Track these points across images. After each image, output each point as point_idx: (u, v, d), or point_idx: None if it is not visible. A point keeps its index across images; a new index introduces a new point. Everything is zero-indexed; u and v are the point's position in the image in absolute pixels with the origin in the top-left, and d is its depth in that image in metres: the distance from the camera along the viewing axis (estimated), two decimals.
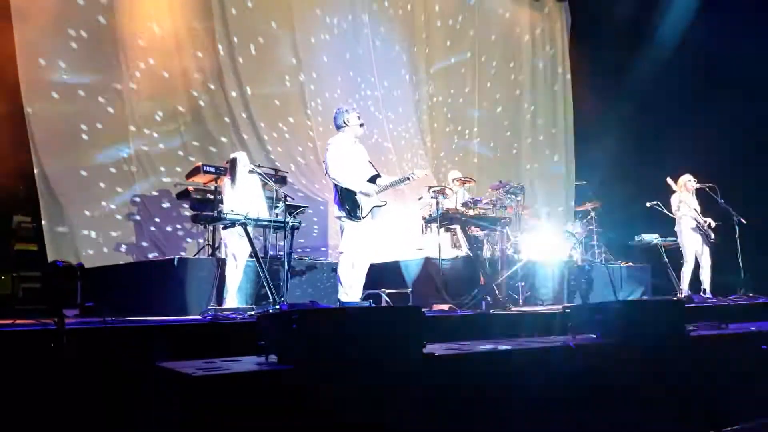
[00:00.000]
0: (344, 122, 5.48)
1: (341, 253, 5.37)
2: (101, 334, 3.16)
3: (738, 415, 3.47)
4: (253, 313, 4.02)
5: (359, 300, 5.35)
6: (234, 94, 8.69)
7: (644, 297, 8.70)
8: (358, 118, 5.49)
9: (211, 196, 6.75)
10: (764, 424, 3.46)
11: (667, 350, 3.54)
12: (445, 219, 6.92)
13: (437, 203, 6.87)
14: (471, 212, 6.82)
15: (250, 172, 5.86)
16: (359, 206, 5.21)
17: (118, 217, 7.64)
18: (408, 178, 5.44)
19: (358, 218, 5.20)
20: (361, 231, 5.28)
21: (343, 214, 5.30)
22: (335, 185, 5.34)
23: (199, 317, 4.31)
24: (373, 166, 5.52)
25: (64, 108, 7.38)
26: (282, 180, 7.55)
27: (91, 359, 3.02)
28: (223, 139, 8.57)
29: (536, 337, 4.23)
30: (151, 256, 7.59)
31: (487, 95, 11.64)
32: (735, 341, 4.03)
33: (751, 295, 7.15)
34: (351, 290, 5.27)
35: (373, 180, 5.40)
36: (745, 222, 7.37)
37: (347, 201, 5.23)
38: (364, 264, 5.41)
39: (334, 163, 5.28)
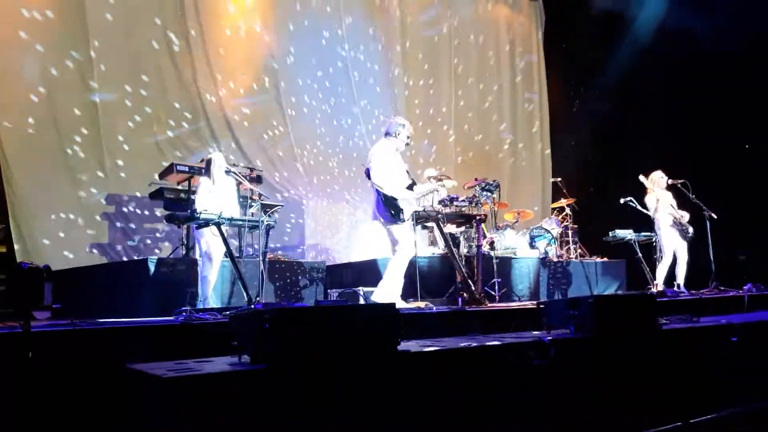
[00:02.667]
0: (395, 133, 5.68)
1: (398, 252, 5.52)
2: (69, 336, 3.10)
3: (707, 406, 3.52)
4: (227, 313, 3.97)
5: (399, 299, 5.52)
6: (208, 95, 8.61)
7: (620, 292, 8.80)
8: (408, 137, 5.74)
9: (185, 196, 6.69)
10: (732, 414, 3.51)
11: (639, 343, 3.58)
12: (421, 216, 6.91)
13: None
14: (447, 210, 6.83)
15: (226, 172, 5.81)
16: (402, 210, 5.42)
17: (96, 218, 7.54)
18: (437, 189, 5.90)
19: (402, 221, 5.42)
20: (409, 231, 5.55)
21: (382, 219, 5.50)
22: (377, 191, 5.49)
23: (172, 318, 4.25)
24: (409, 175, 5.74)
25: (35, 108, 7.27)
26: (258, 179, 7.50)
27: (59, 362, 2.96)
28: (198, 139, 8.49)
29: (511, 332, 4.25)
30: (125, 257, 7.50)
31: (464, 93, 11.67)
32: (706, 334, 4.08)
33: (722, 288, 7.26)
34: (395, 286, 5.47)
35: (410, 188, 5.61)
36: (715, 217, 7.47)
37: (391, 206, 5.43)
38: (405, 261, 5.59)
39: (379, 171, 5.47)
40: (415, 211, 5.64)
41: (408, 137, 5.74)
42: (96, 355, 3.17)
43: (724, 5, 9.25)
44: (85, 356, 3.12)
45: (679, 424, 3.29)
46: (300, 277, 6.76)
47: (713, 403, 3.57)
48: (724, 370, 3.83)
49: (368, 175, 5.61)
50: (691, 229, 7.52)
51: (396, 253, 5.51)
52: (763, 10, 8.95)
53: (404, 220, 5.44)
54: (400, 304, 5.38)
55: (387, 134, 5.73)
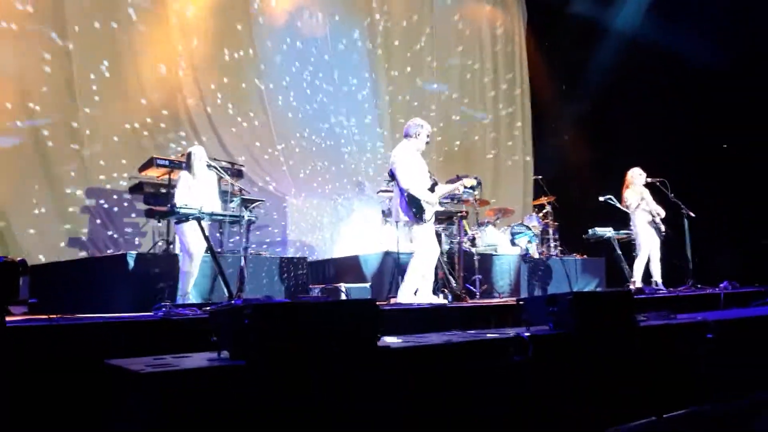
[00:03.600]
0: (415, 134, 5.78)
1: (415, 253, 5.63)
2: (46, 332, 3.06)
3: (682, 401, 3.58)
4: (207, 308, 3.95)
5: (430, 295, 5.64)
6: (190, 89, 8.54)
7: (599, 289, 8.89)
8: (427, 136, 5.86)
9: (165, 190, 6.63)
10: (705, 410, 3.57)
11: (617, 340, 3.62)
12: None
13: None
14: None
15: (207, 166, 5.77)
16: (424, 210, 5.52)
17: (71, 210, 7.45)
18: (457, 189, 6.00)
19: (424, 221, 5.53)
20: (428, 231, 5.63)
21: (407, 218, 5.60)
22: (402, 191, 5.59)
23: (151, 314, 4.22)
24: (431, 176, 5.83)
25: (11, 100, 7.16)
26: (238, 173, 7.47)
27: (35, 358, 2.93)
28: (179, 133, 8.42)
29: (492, 329, 4.28)
30: (105, 251, 7.42)
31: (447, 92, 11.70)
32: (682, 330, 4.14)
33: (699, 286, 7.37)
34: (425, 283, 5.58)
35: (432, 189, 5.70)
36: (693, 215, 7.58)
37: (413, 206, 5.53)
38: (433, 261, 5.71)
39: (403, 172, 5.59)
40: (436, 211, 5.75)
41: (427, 137, 5.86)
42: (73, 351, 3.13)
43: (703, 9, 9.37)
44: (62, 352, 3.08)
45: (653, 418, 3.34)
46: (281, 273, 6.74)
47: (688, 398, 3.63)
48: (699, 366, 3.89)
49: (392, 176, 5.75)
50: (663, 228, 7.61)
51: (416, 253, 5.62)
52: (740, 14, 9.08)
53: (426, 221, 5.55)
54: (431, 299, 5.56)
55: (407, 136, 5.83)
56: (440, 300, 5.74)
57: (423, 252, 5.59)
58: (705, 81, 9.53)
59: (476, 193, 7.01)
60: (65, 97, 7.56)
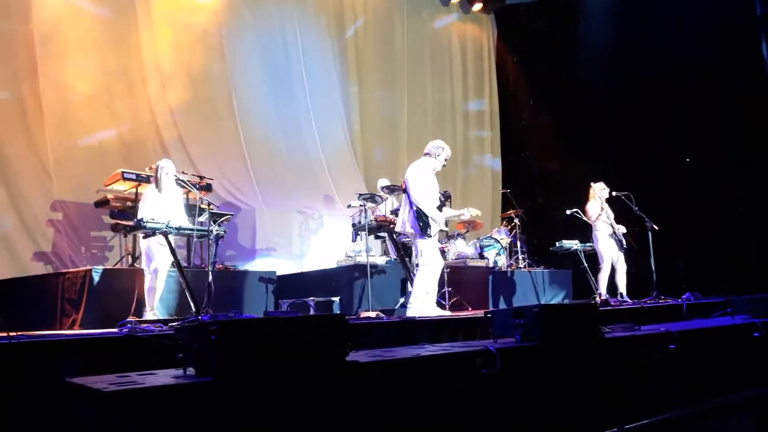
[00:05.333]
0: (435, 155, 5.98)
1: (421, 266, 5.79)
2: (6, 349, 2.99)
3: (644, 412, 3.64)
4: (173, 325, 3.90)
5: (434, 307, 5.80)
6: (157, 99, 8.47)
7: (566, 301, 9.01)
8: (445, 160, 6.05)
9: (132, 204, 6.55)
10: (665, 419, 3.65)
11: (582, 351, 3.68)
12: (374, 227, 6.96)
13: (366, 211, 6.91)
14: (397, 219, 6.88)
15: (175, 180, 5.72)
16: (430, 226, 5.71)
17: (36, 225, 7.29)
18: (462, 215, 6.25)
19: (429, 236, 5.72)
20: (433, 246, 5.85)
21: (413, 231, 5.81)
22: (411, 205, 5.78)
23: (115, 330, 4.15)
24: (442, 196, 5.99)
25: None
26: (207, 187, 7.41)
27: None
28: (146, 147, 8.33)
29: (459, 341, 4.31)
30: (70, 266, 7.27)
31: (417, 105, 11.81)
32: (646, 341, 4.22)
33: (662, 298, 7.52)
34: (428, 297, 5.76)
35: (439, 209, 5.88)
36: (656, 228, 7.74)
37: (421, 220, 5.72)
38: (437, 274, 5.90)
39: (417, 188, 5.79)
40: (441, 230, 5.93)
41: (446, 160, 6.05)
42: (35, 369, 3.06)
43: (668, 21, 9.64)
44: (23, 370, 3.01)
45: (614, 429, 3.40)
46: (250, 288, 6.69)
47: (649, 408, 3.70)
48: (661, 377, 3.97)
49: (404, 190, 5.93)
50: (624, 241, 7.76)
51: (423, 266, 5.78)
52: (704, 21, 9.35)
53: (431, 236, 5.73)
54: (437, 312, 5.71)
55: (427, 154, 6.01)
56: (445, 312, 5.88)
57: (429, 265, 5.76)
58: (672, 94, 9.76)
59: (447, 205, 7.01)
60: (31, 108, 7.43)
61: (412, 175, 5.86)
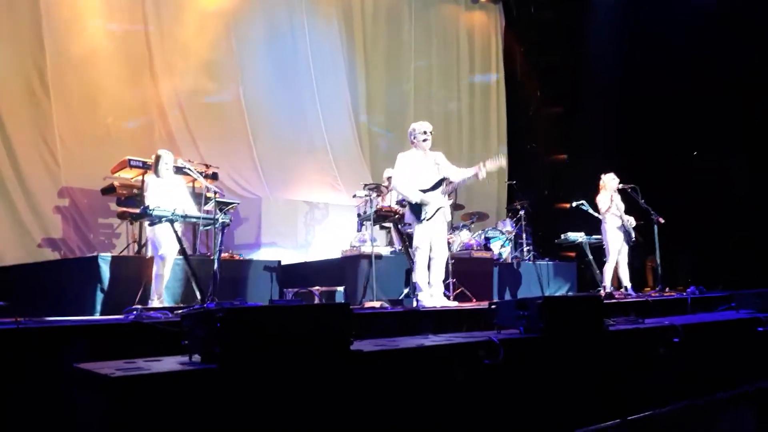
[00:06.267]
0: (411, 139, 5.96)
1: (416, 250, 5.78)
2: (13, 335, 3.02)
3: (648, 404, 3.65)
4: (179, 312, 3.93)
5: (443, 296, 5.83)
6: (164, 87, 8.48)
7: (570, 293, 9.01)
8: (424, 133, 5.88)
9: (138, 192, 6.58)
10: (668, 412, 3.66)
11: (586, 344, 3.69)
12: (379, 217, 6.98)
13: (371, 201, 6.92)
14: (404, 210, 6.88)
15: (180, 167, 5.75)
16: (424, 210, 5.70)
17: (43, 211, 7.33)
18: (476, 174, 5.91)
19: (422, 221, 5.70)
20: (428, 232, 5.77)
21: (410, 221, 5.86)
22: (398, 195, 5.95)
23: (122, 317, 4.18)
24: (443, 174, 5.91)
25: None
26: (213, 176, 7.43)
27: (2, 362, 2.89)
28: (153, 134, 8.35)
29: (463, 332, 4.32)
30: (78, 253, 7.32)
31: (424, 95, 11.76)
32: (650, 335, 4.22)
33: (667, 291, 7.51)
34: (433, 288, 5.78)
35: (440, 183, 5.83)
36: (663, 221, 7.71)
37: (413, 209, 5.78)
38: (439, 261, 5.86)
39: (395, 179, 5.91)
40: (440, 207, 5.82)
41: (424, 132, 5.90)
42: (42, 355, 3.10)
43: (677, 11, 9.58)
44: (30, 356, 3.04)
45: (617, 421, 3.41)
46: (255, 276, 6.71)
47: (653, 401, 3.71)
48: (665, 370, 3.98)
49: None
50: (633, 235, 7.73)
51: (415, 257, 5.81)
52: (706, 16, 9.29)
53: (425, 220, 5.70)
54: (442, 302, 5.76)
55: (411, 143, 6.00)
56: (450, 303, 5.89)
57: (418, 251, 5.77)
58: (677, 86, 9.70)
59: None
60: (39, 96, 7.45)
61: (395, 168, 5.92)
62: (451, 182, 5.96)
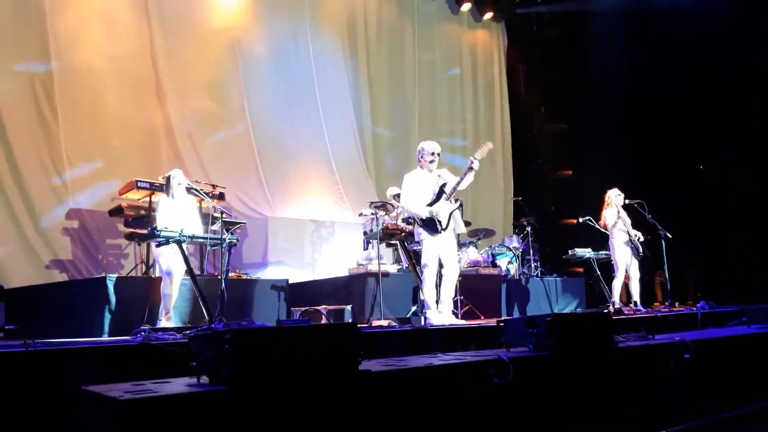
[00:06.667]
0: (419, 158, 6.03)
1: (425, 267, 5.78)
2: (22, 358, 3.02)
3: (660, 421, 3.61)
4: (186, 333, 3.93)
5: (449, 315, 5.79)
6: (170, 107, 8.55)
7: (579, 309, 8.96)
8: (432, 154, 5.96)
9: (146, 213, 6.60)
10: (685, 430, 3.61)
11: (595, 361, 3.66)
12: (385, 235, 6.97)
13: (377, 219, 6.92)
14: (411, 227, 6.88)
15: (187, 189, 5.78)
16: (437, 222, 5.74)
17: (51, 233, 7.36)
18: (471, 168, 5.85)
19: (439, 232, 5.75)
20: (436, 249, 5.79)
21: (425, 237, 5.81)
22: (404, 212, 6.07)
23: (130, 338, 4.18)
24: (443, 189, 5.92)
25: None
26: (220, 196, 7.45)
27: (11, 385, 2.89)
28: (160, 155, 8.40)
29: (472, 351, 4.30)
30: (86, 274, 7.33)
31: (429, 113, 11.81)
32: (660, 351, 4.19)
33: (677, 306, 7.46)
34: (442, 305, 5.77)
35: (441, 193, 5.88)
36: (670, 236, 7.68)
37: (426, 223, 5.80)
38: (449, 278, 5.86)
39: (403, 197, 6.00)
40: (452, 211, 5.87)
41: (432, 153, 5.98)
42: (50, 378, 3.09)
43: (680, 28, 9.61)
44: (38, 378, 3.04)
45: None
46: (262, 296, 6.71)
47: (664, 419, 3.67)
48: (676, 386, 3.94)
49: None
50: (641, 249, 7.70)
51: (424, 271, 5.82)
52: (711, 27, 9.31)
53: (441, 230, 5.73)
54: (450, 320, 5.75)
55: (418, 161, 6.07)
56: (458, 321, 5.88)
57: (426, 268, 5.79)
58: (682, 103, 9.71)
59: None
60: (46, 116, 7.52)
61: (402, 188, 6.01)
62: (450, 185, 5.97)
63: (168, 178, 5.77)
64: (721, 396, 4.17)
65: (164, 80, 8.51)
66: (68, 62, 7.76)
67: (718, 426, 3.85)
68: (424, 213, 5.80)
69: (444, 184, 5.93)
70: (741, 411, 4.06)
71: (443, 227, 5.73)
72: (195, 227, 5.61)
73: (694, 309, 7.10)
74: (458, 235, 8.63)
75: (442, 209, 5.82)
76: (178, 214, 5.60)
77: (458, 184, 5.88)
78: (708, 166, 9.76)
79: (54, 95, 7.57)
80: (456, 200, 5.99)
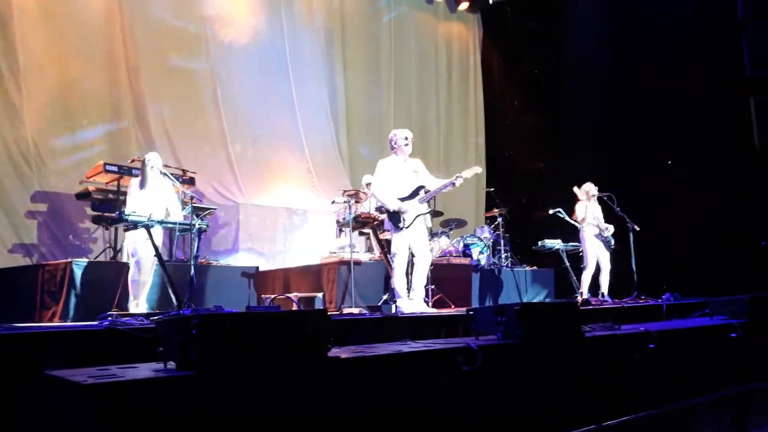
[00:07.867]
0: (392, 145, 5.99)
1: (395, 256, 5.79)
2: None
3: (623, 409, 3.69)
4: (154, 318, 3.88)
5: (420, 303, 5.80)
6: (142, 91, 8.40)
7: (548, 299, 9.07)
8: (405, 139, 5.92)
9: (114, 197, 6.49)
10: (643, 417, 3.70)
11: (562, 350, 3.71)
12: (358, 223, 6.97)
13: (350, 207, 6.91)
14: (383, 217, 6.89)
15: (161, 173, 5.69)
16: (402, 218, 5.70)
17: (16, 216, 7.20)
18: (453, 183, 5.90)
19: (401, 229, 5.72)
20: (406, 238, 5.78)
21: (389, 227, 5.88)
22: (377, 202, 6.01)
23: (96, 323, 4.11)
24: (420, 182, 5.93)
25: None
26: (190, 181, 7.36)
27: None
28: (130, 138, 8.26)
29: (442, 339, 4.33)
30: (51, 259, 7.19)
31: (403, 103, 11.79)
32: (625, 341, 4.27)
33: (643, 298, 7.60)
34: (414, 293, 5.80)
35: (417, 191, 5.85)
36: (638, 229, 7.81)
37: (392, 217, 5.79)
38: (420, 267, 5.87)
39: (375, 185, 5.95)
40: (419, 214, 5.82)
41: (405, 138, 5.94)
42: (14, 362, 3.03)
43: (656, 20, 9.73)
44: (2, 363, 2.98)
45: (593, 426, 3.44)
46: (232, 283, 6.66)
47: (629, 406, 3.75)
48: (640, 375, 4.02)
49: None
50: (612, 241, 7.84)
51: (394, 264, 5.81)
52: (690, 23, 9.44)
53: (403, 228, 5.71)
54: (421, 308, 5.76)
55: (391, 149, 6.02)
56: (428, 309, 5.91)
57: (396, 257, 5.79)
58: (654, 98, 9.84)
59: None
60: (11, 97, 7.32)
61: (374, 174, 5.97)
62: (427, 190, 5.98)
63: (143, 161, 5.68)
64: (685, 384, 4.26)
65: (133, 62, 8.35)
66: (33, 41, 7.55)
67: (682, 413, 3.94)
68: (392, 205, 5.77)
69: (421, 187, 5.92)
70: (703, 398, 4.17)
71: (405, 226, 5.72)
72: (174, 211, 5.56)
73: (659, 301, 7.24)
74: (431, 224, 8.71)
75: (412, 208, 5.79)
76: (149, 198, 5.51)
77: (436, 192, 6.01)
78: (676, 162, 9.92)
79: (19, 74, 7.37)
80: (429, 206, 6.04)
